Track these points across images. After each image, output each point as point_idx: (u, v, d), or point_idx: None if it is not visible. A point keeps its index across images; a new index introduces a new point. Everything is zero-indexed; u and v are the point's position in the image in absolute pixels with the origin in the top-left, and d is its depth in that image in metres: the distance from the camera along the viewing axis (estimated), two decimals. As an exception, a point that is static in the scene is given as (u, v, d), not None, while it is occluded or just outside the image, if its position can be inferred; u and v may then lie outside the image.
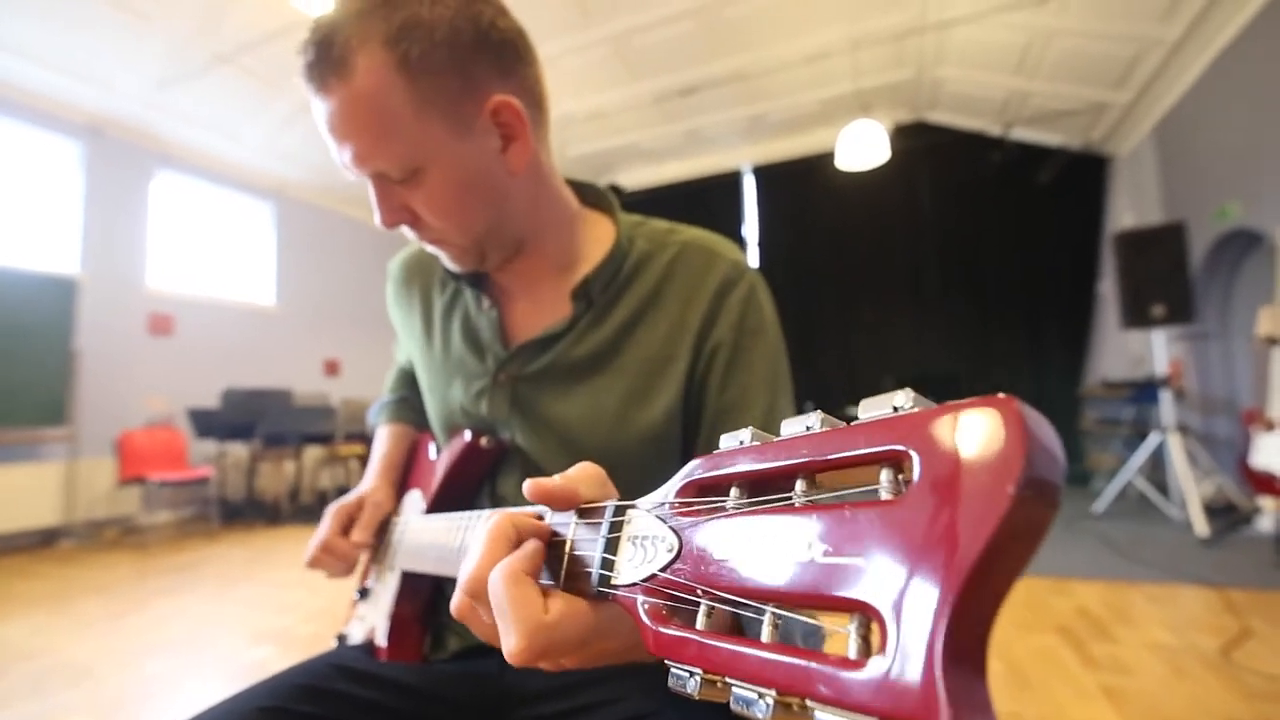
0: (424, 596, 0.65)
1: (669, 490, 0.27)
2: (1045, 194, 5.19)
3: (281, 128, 4.98)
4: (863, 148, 4.43)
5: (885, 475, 0.18)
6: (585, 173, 6.51)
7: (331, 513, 0.67)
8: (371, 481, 0.72)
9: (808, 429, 0.22)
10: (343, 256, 6.39)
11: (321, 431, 5.10)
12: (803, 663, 0.18)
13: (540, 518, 0.35)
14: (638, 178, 6.57)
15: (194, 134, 4.91)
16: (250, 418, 4.64)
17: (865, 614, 0.17)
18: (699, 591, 0.23)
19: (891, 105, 5.41)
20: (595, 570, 0.29)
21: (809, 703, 0.18)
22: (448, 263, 0.62)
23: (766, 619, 0.20)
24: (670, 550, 0.25)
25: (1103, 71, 4.31)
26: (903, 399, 0.19)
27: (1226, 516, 3.23)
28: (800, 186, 6.04)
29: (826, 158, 5.28)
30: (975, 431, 0.16)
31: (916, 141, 5.48)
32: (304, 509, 5.21)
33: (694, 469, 0.26)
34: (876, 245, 5.89)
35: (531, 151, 0.57)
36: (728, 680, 0.21)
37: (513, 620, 0.27)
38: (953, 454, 0.17)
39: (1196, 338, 4.10)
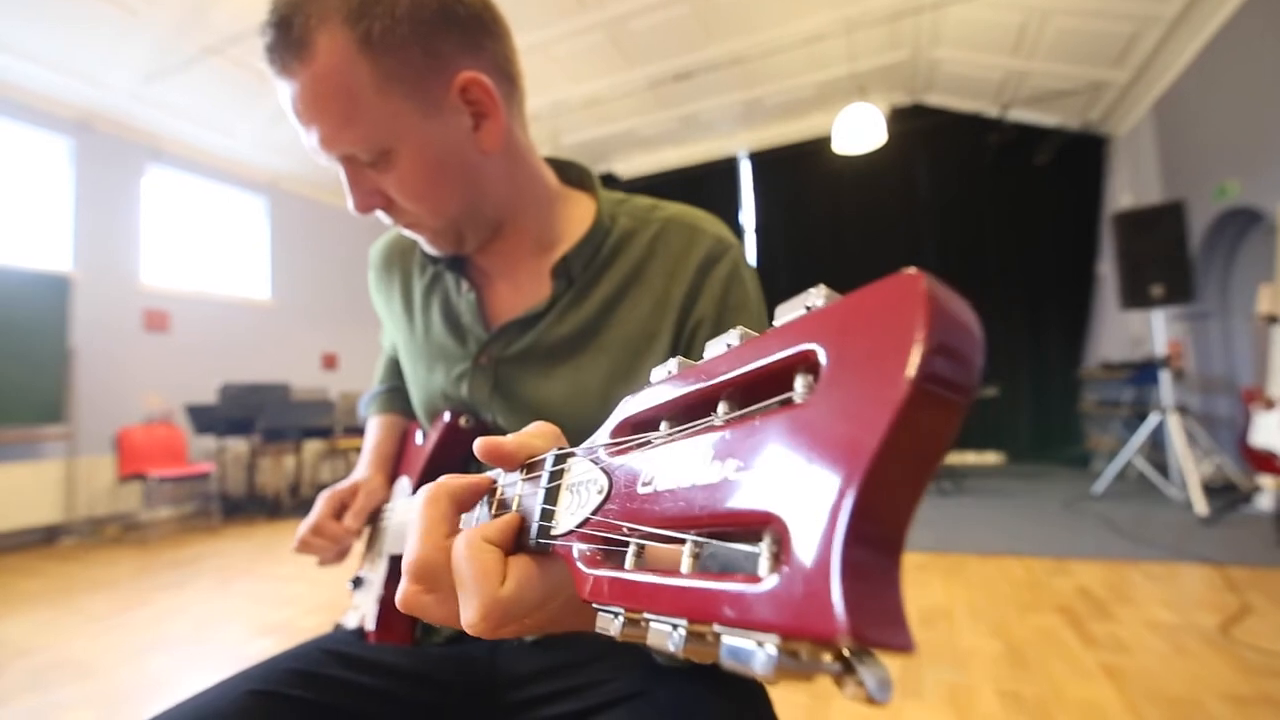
0: None
1: (604, 431, 0.26)
2: (1043, 175, 5.16)
3: (273, 120, 4.94)
4: (859, 131, 4.39)
5: (799, 380, 0.17)
6: (581, 160, 6.43)
7: (324, 496, 0.67)
8: (364, 471, 0.72)
9: (728, 346, 0.20)
10: (338, 250, 6.36)
11: (320, 425, 5.10)
12: (710, 585, 0.17)
13: (485, 478, 0.34)
14: (634, 165, 6.53)
15: (185, 128, 4.87)
16: (249, 413, 4.64)
17: (774, 527, 0.16)
18: (625, 530, 0.22)
19: (888, 88, 5.37)
20: (535, 523, 0.27)
21: (716, 628, 0.16)
22: (425, 246, 0.61)
23: (686, 549, 0.19)
24: (600, 491, 0.24)
25: (1101, 50, 4.27)
26: (815, 296, 0.18)
27: (1226, 496, 3.23)
28: (797, 171, 6.01)
29: (823, 142, 5.25)
30: (876, 314, 0.15)
31: (913, 124, 5.44)
32: (305, 503, 5.21)
33: (625, 406, 0.25)
34: (874, 229, 5.86)
35: (504, 129, 0.56)
36: (645, 616, 0.19)
37: (473, 594, 0.26)
38: (854, 341, 0.15)
39: (1196, 317, 4.08)
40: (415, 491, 0.64)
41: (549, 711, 0.54)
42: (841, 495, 0.14)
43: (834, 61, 4.82)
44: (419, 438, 0.73)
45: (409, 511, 0.48)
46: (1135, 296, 3.44)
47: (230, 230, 5.58)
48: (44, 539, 4.09)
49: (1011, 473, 4.96)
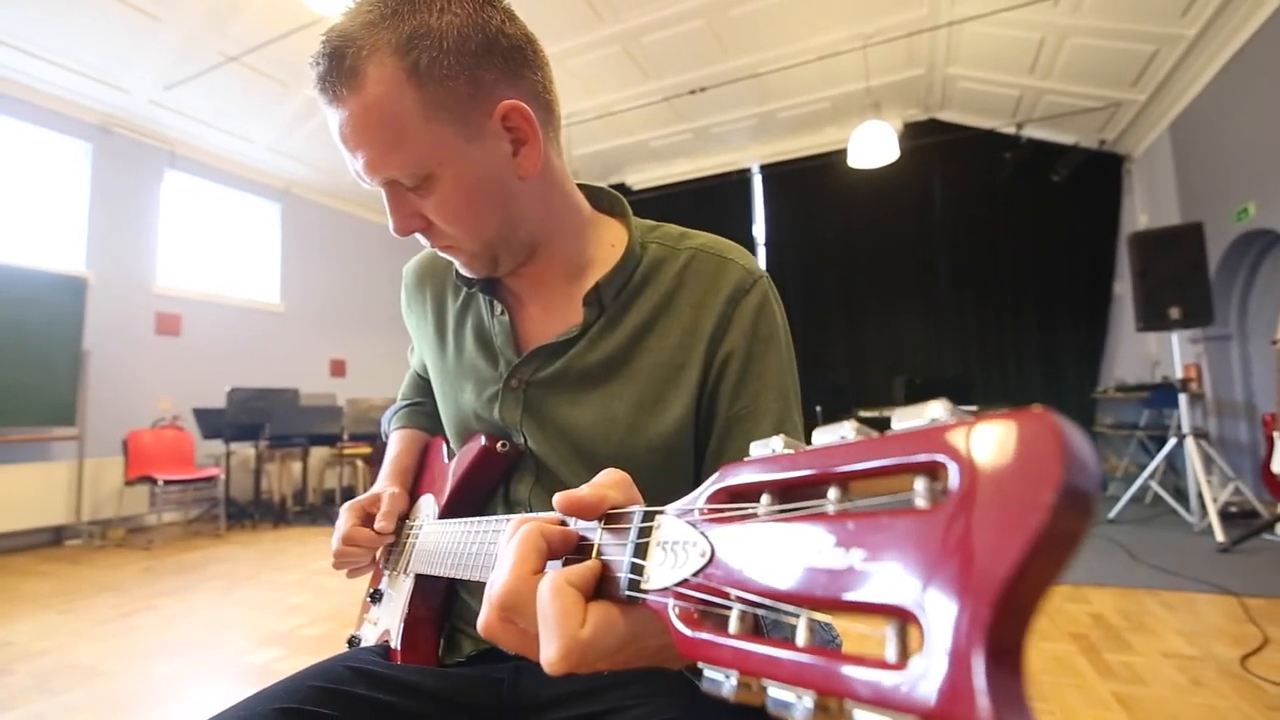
0: (438, 599, 0.67)
1: (699, 496, 0.27)
2: (1059, 193, 5.13)
3: (290, 127, 5.00)
4: (873, 146, 4.39)
5: (920, 484, 0.19)
6: (594, 171, 6.51)
7: (347, 508, 0.69)
8: (384, 483, 0.73)
9: (842, 438, 0.22)
10: (349, 257, 6.41)
11: (328, 432, 5.11)
12: (842, 665, 0.19)
13: (563, 523, 0.35)
14: (646, 176, 6.55)
15: (202, 133, 4.94)
16: (257, 418, 4.65)
17: (902, 619, 0.18)
18: (732, 595, 0.23)
19: (902, 104, 5.37)
20: (624, 575, 0.29)
21: (848, 703, 0.18)
22: (461, 269, 0.63)
23: (802, 623, 0.21)
24: (703, 555, 0.25)
25: (1118, 70, 4.25)
26: (939, 410, 0.19)
27: (1245, 523, 3.17)
28: (810, 186, 6.00)
29: (836, 156, 5.25)
30: (1013, 442, 0.17)
31: (928, 140, 5.43)
32: (311, 509, 5.22)
33: (725, 475, 0.26)
34: (887, 245, 5.84)
35: (542, 155, 0.57)
36: (764, 683, 0.21)
37: (554, 633, 0.28)
38: (990, 464, 0.17)
39: (1214, 340, 4.03)
40: (443, 511, 0.65)
41: None
42: (984, 601, 0.15)
43: (849, 77, 4.82)
44: (444, 455, 0.74)
45: (496, 540, 0.49)
46: (1153, 318, 3.40)
47: (243, 236, 5.64)
48: (51, 540, 4.11)
49: (1023, 493, 4.89)
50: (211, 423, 4.64)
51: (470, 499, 0.65)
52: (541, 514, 0.37)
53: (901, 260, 5.81)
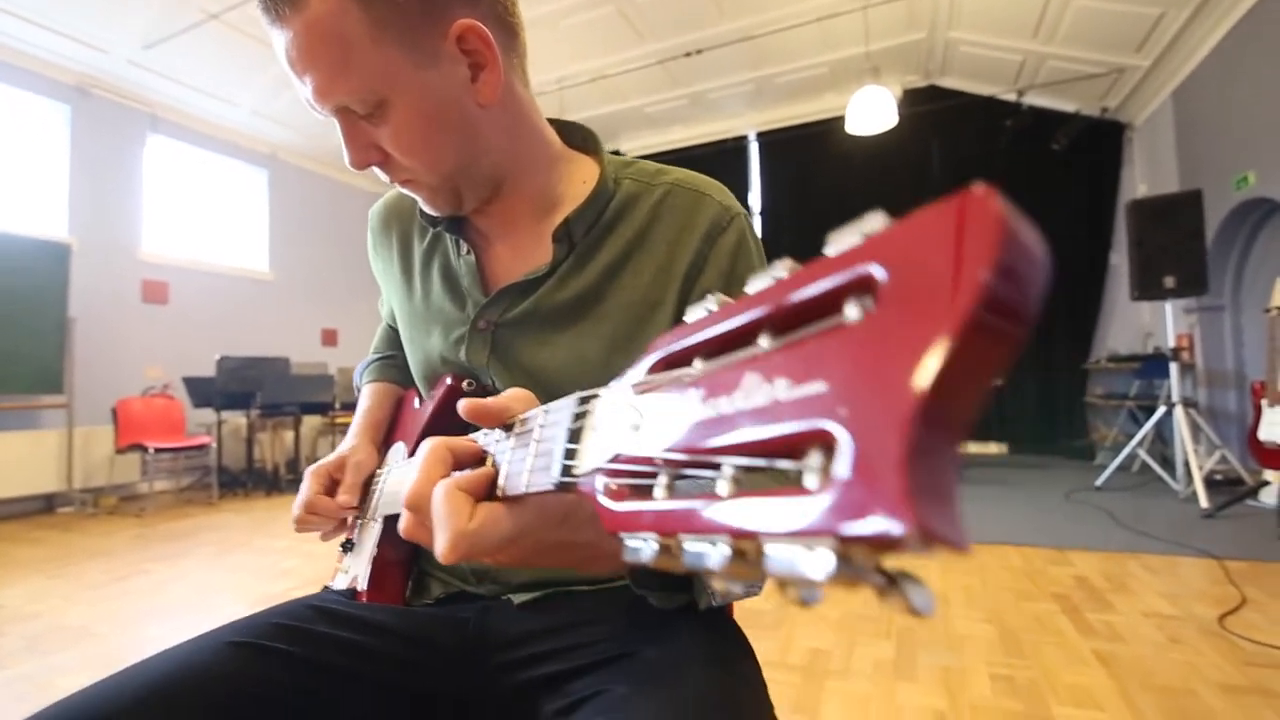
0: (406, 542, 0.66)
1: (637, 370, 0.26)
2: (1059, 162, 5.07)
3: (274, 90, 4.87)
4: (871, 114, 4.32)
5: (852, 302, 0.16)
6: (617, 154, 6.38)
7: (311, 472, 0.67)
8: (352, 441, 0.71)
9: (774, 279, 0.20)
10: (339, 224, 6.31)
11: (320, 400, 5.10)
12: (756, 500, 0.17)
13: (475, 443, 0.38)
14: (641, 143, 6.44)
15: (184, 96, 4.81)
16: (248, 387, 4.63)
17: (825, 442, 0.16)
18: (658, 462, 0.22)
19: (902, 69, 5.27)
20: (558, 463, 0.29)
21: (761, 539, 0.16)
22: (424, 206, 0.60)
23: (725, 473, 0.19)
24: (634, 428, 0.24)
25: (1123, 34, 4.16)
26: (873, 221, 0.17)
27: (1230, 490, 3.20)
28: (807, 153, 5.91)
29: (834, 123, 5.16)
30: (943, 228, 0.15)
31: (927, 106, 5.34)
32: (303, 478, 5.23)
33: (659, 345, 0.25)
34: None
35: (503, 81, 0.54)
36: (680, 539, 0.19)
37: (443, 527, 0.31)
38: (919, 257, 0.15)
39: (1207, 310, 4.03)
40: (412, 454, 0.64)
41: (536, 672, 0.54)
42: (903, 403, 0.14)
43: (848, 40, 4.72)
44: (415, 403, 0.72)
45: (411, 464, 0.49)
46: (1147, 287, 3.38)
47: (230, 202, 5.54)
48: (43, 507, 4.12)
49: (1014, 463, 4.94)
50: (202, 391, 4.62)
51: None
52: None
53: (897, 230, 5.77)
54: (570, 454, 0.28)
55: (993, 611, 1.93)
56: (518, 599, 0.60)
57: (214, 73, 4.59)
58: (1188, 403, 3.37)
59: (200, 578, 2.59)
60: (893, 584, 0.15)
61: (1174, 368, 3.43)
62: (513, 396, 0.37)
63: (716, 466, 0.19)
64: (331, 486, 0.67)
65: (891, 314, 0.15)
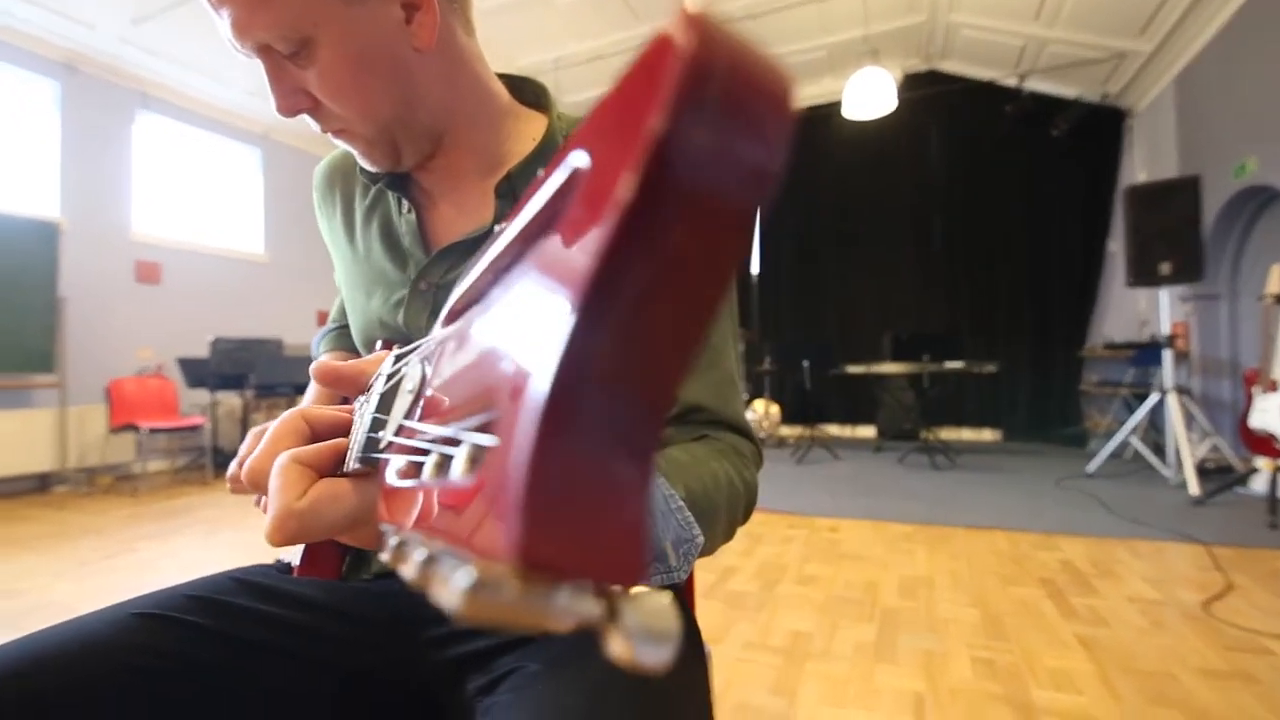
0: None
1: (439, 321, 0.23)
2: (1059, 148, 5.02)
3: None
4: (870, 97, 4.26)
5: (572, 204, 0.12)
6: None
7: (251, 433, 0.64)
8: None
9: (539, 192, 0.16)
10: (335, 206, 6.26)
11: (315, 382, 5.09)
12: (432, 491, 0.14)
13: (349, 412, 0.33)
14: (637, 128, 6.38)
15: (175, 73, 4.75)
16: (241, 368, 4.62)
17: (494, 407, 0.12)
18: (418, 434, 0.18)
19: (902, 52, 5.20)
20: (362, 434, 0.25)
21: (430, 543, 0.13)
22: (361, 161, 0.57)
23: (461, 450, 0.14)
24: (412, 391, 0.21)
25: (1125, 18, 4.10)
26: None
27: (1220, 477, 3.21)
28: (805, 138, 5.85)
29: (832, 108, 5.10)
30: (635, 83, 0.10)
31: (927, 91, 5.29)
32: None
33: (455, 290, 0.21)
34: (881, 198, 5.75)
35: (439, 24, 0.51)
36: (406, 536, 0.16)
37: (272, 504, 0.27)
38: (609, 130, 0.10)
39: (1204, 298, 4.01)
40: None
41: (463, 648, 0.52)
42: (548, 347, 0.09)
43: (847, 23, 4.65)
44: None
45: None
46: (1143, 273, 3.36)
47: (223, 182, 5.48)
48: (37, 486, 4.12)
49: (1007, 450, 4.95)
50: (196, 372, 4.60)
51: None
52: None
53: (895, 214, 5.73)
54: (378, 424, 0.25)
55: (977, 595, 1.93)
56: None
57: (204, 49, 4.52)
58: (1181, 390, 3.36)
59: (190, 556, 2.59)
60: (612, 614, 0.10)
61: (1167, 355, 3.41)
62: (371, 359, 0.33)
63: (454, 440, 0.15)
64: None
65: (573, 217, 0.11)
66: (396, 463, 0.21)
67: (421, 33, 0.50)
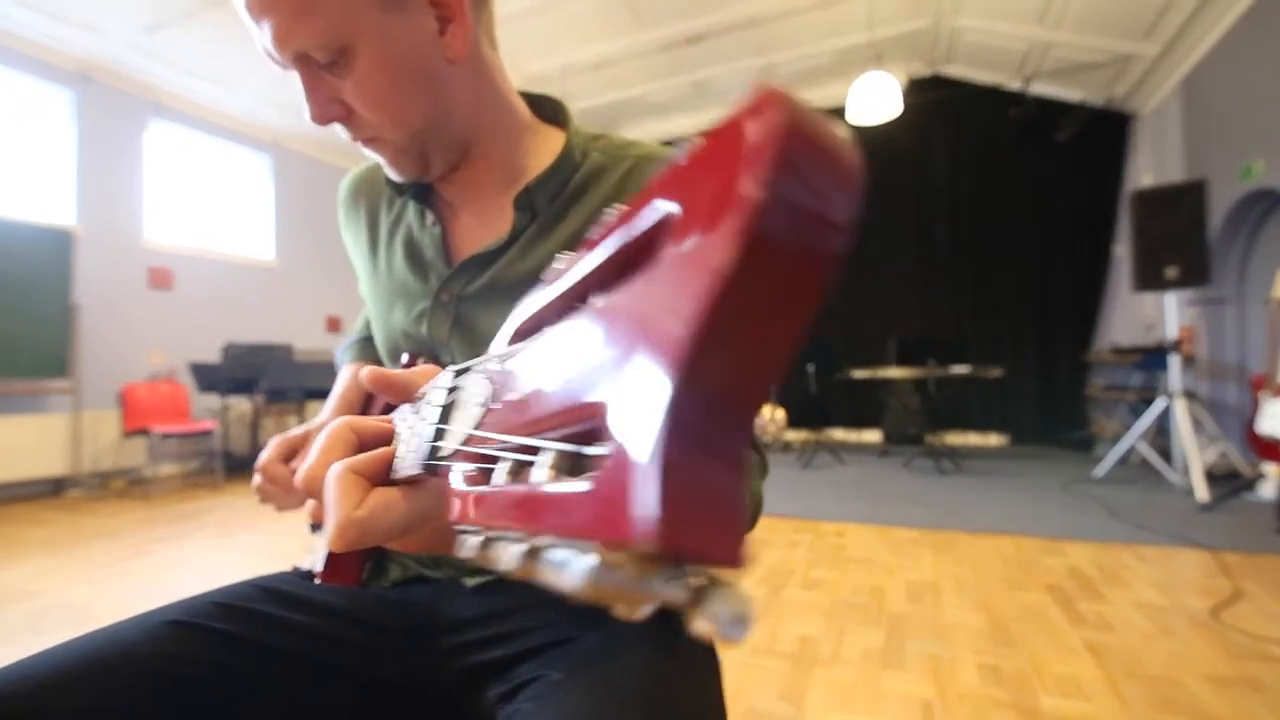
0: None
1: (501, 340, 0.24)
2: (1064, 152, 5.02)
3: (278, 76, 4.85)
4: (875, 101, 4.27)
5: (664, 246, 0.14)
6: (590, 125, 6.34)
7: (274, 441, 0.65)
8: (322, 417, 0.70)
9: (603, 222, 0.17)
10: (343, 212, 6.32)
11: (323, 387, 5.12)
12: (544, 493, 0.15)
13: (390, 422, 0.35)
14: (645, 131, 6.41)
15: (187, 82, 4.81)
16: (252, 373, 4.66)
17: (602, 420, 0.13)
18: (494, 443, 0.20)
19: (906, 57, 5.21)
20: (427, 443, 0.27)
21: (541, 539, 0.15)
22: (388, 170, 0.58)
23: (543, 459, 0.16)
24: (480, 404, 0.22)
25: (1130, 21, 4.10)
26: (685, 146, 0.15)
27: (1228, 483, 3.19)
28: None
29: (838, 112, 5.11)
30: (724, 143, 0.12)
31: (931, 96, 5.30)
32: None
33: (518, 311, 0.23)
34: (886, 204, 5.74)
35: (471, 35, 0.53)
36: (496, 534, 0.18)
37: (332, 513, 0.29)
38: (700, 182, 0.13)
39: (1211, 302, 4.00)
40: None
41: (482, 656, 0.54)
42: (664, 373, 0.11)
43: (852, 28, 4.67)
44: None
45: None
46: (1149, 278, 3.36)
47: (235, 190, 5.54)
48: (51, 490, 4.17)
49: (1012, 454, 4.93)
50: (207, 377, 4.65)
51: None
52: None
53: (900, 219, 5.73)
54: (440, 434, 0.26)
55: (983, 601, 1.94)
56: (471, 581, 0.59)
57: (215, 59, 4.58)
58: (1189, 395, 3.36)
59: (202, 559, 2.62)
60: (698, 599, 0.12)
61: (1173, 360, 3.41)
62: (420, 370, 0.34)
63: (534, 450, 0.17)
64: (291, 456, 0.65)
65: (673, 261, 0.13)
66: (463, 469, 0.22)
67: (454, 44, 0.52)
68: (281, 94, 5.12)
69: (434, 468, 0.26)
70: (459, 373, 0.27)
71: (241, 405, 5.00)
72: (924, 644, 1.66)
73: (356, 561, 0.64)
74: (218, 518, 3.38)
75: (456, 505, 0.21)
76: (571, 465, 0.15)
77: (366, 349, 0.80)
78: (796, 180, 0.11)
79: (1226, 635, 1.66)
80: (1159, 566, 2.21)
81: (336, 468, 0.30)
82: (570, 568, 0.13)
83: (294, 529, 3.08)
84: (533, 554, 0.15)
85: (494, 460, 0.20)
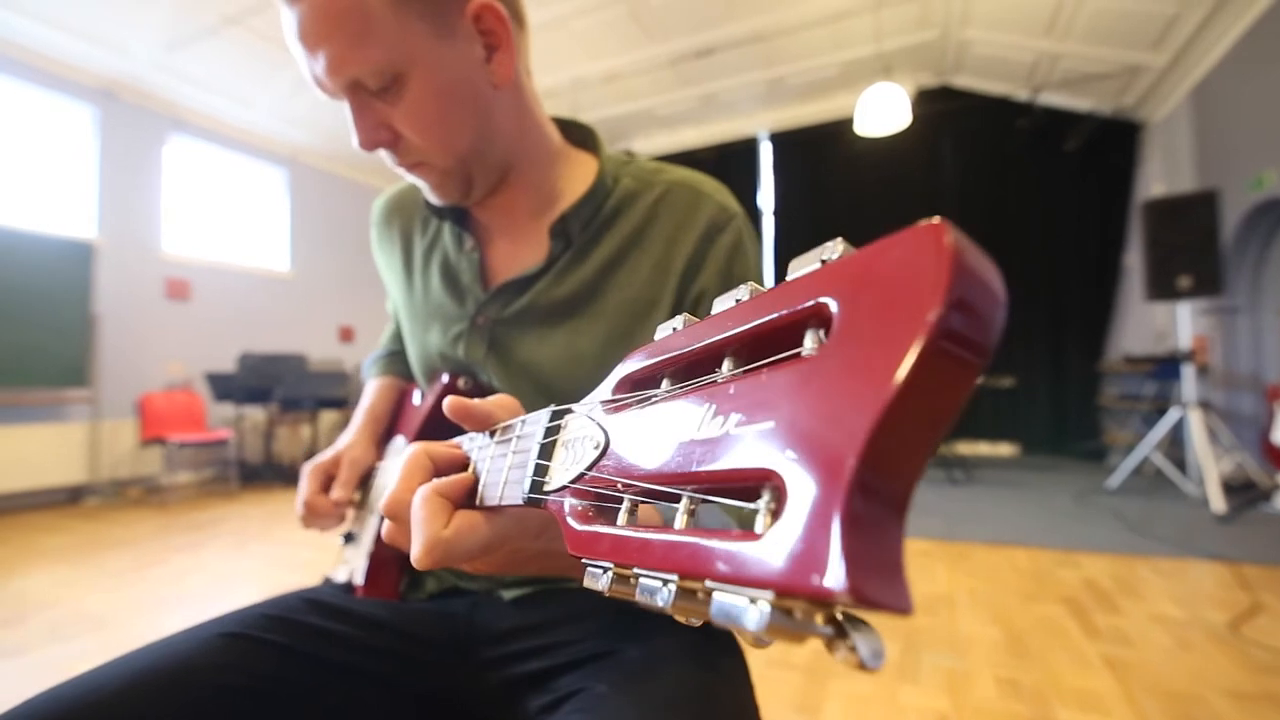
0: None
1: (605, 388, 0.26)
2: (1073, 162, 5.01)
3: (293, 92, 4.94)
4: (883, 112, 4.29)
5: (809, 335, 0.17)
6: (616, 151, 6.39)
7: (308, 472, 0.66)
8: (350, 437, 0.71)
9: (737, 301, 0.20)
10: (357, 224, 6.39)
11: (336, 396, 5.18)
12: (704, 541, 0.17)
13: (459, 448, 0.38)
14: (653, 144, 6.45)
15: (206, 98, 4.90)
16: (267, 382, 4.72)
17: (773, 484, 0.15)
18: (620, 486, 0.22)
19: (914, 68, 5.23)
20: (529, 478, 0.29)
21: (708, 584, 0.16)
22: (429, 195, 0.60)
23: (681, 505, 0.19)
24: (596, 447, 0.24)
25: (1138, 32, 4.11)
26: (832, 249, 0.17)
27: (1245, 494, 3.16)
28: (818, 153, 5.90)
29: (846, 124, 5.14)
30: (895, 265, 0.14)
31: (940, 106, 5.31)
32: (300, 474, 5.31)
33: (627, 363, 0.25)
34: (895, 215, 5.65)
35: (515, 63, 0.55)
36: (635, 571, 0.19)
37: (419, 533, 0.31)
38: (870, 293, 0.15)
39: (1224, 311, 3.97)
40: None
41: (522, 669, 0.55)
42: (846, 450, 0.13)
43: (859, 40, 4.70)
44: (416, 398, 0.73)
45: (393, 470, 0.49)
46: (1161, 288, 3.35)
47: (251, 202, 5.63)
48: (69, 499, 4.22)
49: (1025, 465, 4.90)
50: (222, 386, 4.71)
51: (436, 438, 0.65)
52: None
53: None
54: (541, 470, 0.28)
55: (999, 613, 1.93)
56: (509, 594, 0.60)
57: (234, 75, 4.67)
58: (1204, 405, 3.33)
59: (219, 568, 2.64)
60: (841, 634, 0.14)
61: (1187, 370, 3.39)
62: (498, 403, 0.36)
63: (676, 498, 0.19)
64: (328, 483, 0.66)
65: (843, 350, 0.15)
66: (572, 503, 0.24)
67: (500, 70, 0.54)
68: (297, 110, 5.21)
69: (539, 501, 0.27)
70: (557, 414, 0.29)
71: (256, 414, 5.05)
72: (940, 657, 1.65)
73: (395, 574, 0.65)
74: (233, 526, 3.42)
75: (579, 539, 0.23)
76: (705, 516, 0.18)
77: (394, 364, 0.81)
78: (966, 304, 0.13)
79: (1246, 649, 1.65)
80: (1176, 579, 2.19)
81: (424, 490, 0.32)
82: (745, 614, 0.15)
83: (307, 538, 3.10)
84: (689, 595, 0.17)
85: (610, 500, 0.22)
